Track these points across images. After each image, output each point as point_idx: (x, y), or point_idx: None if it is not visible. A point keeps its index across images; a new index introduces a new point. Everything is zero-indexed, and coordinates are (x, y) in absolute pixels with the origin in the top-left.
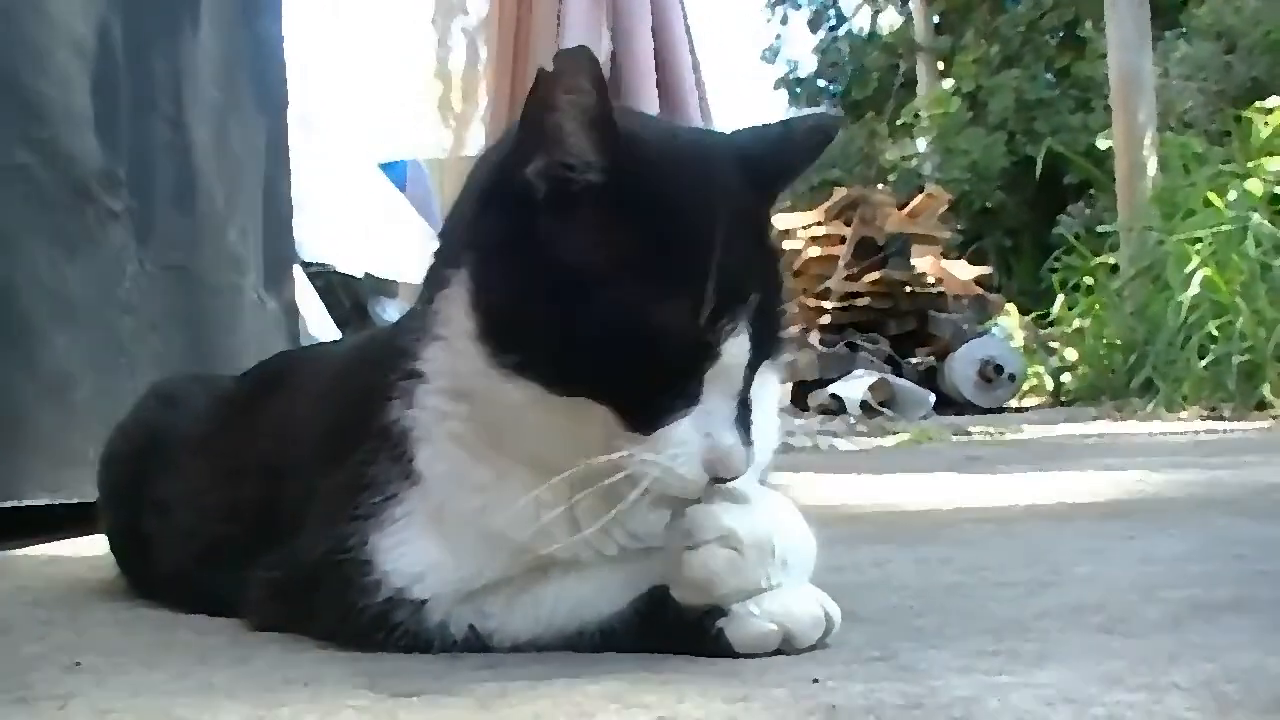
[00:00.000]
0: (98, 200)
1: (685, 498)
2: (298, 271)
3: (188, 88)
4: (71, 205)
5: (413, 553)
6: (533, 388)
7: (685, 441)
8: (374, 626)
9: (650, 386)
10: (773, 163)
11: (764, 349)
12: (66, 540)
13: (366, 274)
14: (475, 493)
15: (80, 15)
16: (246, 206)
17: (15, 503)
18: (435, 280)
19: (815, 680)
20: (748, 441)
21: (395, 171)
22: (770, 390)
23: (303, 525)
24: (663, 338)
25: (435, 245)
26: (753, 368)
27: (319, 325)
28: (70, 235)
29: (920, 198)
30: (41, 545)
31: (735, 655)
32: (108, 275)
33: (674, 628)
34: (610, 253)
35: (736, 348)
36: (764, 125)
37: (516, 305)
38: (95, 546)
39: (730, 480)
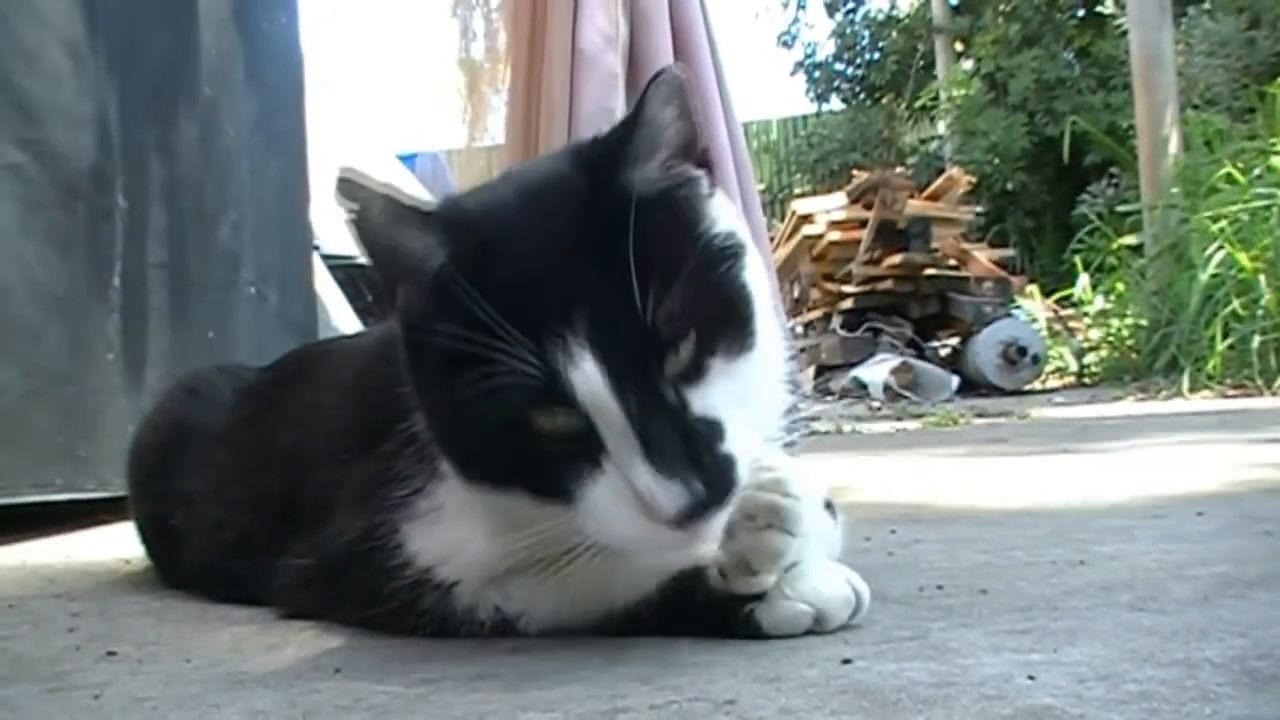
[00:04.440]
0: (89, 199)
1: (663, 548)
2: (318, 264)
3: (178, 85)
4: (63, 204)
5: (440, 536)
6: (480, 491)
7: (606, 503)
8: (402, 611)
9: (549, 457)
10: (607, 140)
11: (645, 357)
12: (90, 533)
13: None
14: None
15: (71, 14)
16: (241, 203)
17: (7, 500)
18: None
19: (846, 660)
20: (692, 474)
21: (410, 163)
22: (736, 387)
23: (331, 515)
24: (517, 406)
25: None
26: (643, 385)
27: (340, 317)
28: (61, 234)
29: (940, 180)
30: (65, 537)
31: (765, 637)
32: (98, 274)
33: (703, 610)
34: (458, 339)
35: (581, 378)
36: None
37: (430, 427)
38: (121, 538)
39: (690, 516)
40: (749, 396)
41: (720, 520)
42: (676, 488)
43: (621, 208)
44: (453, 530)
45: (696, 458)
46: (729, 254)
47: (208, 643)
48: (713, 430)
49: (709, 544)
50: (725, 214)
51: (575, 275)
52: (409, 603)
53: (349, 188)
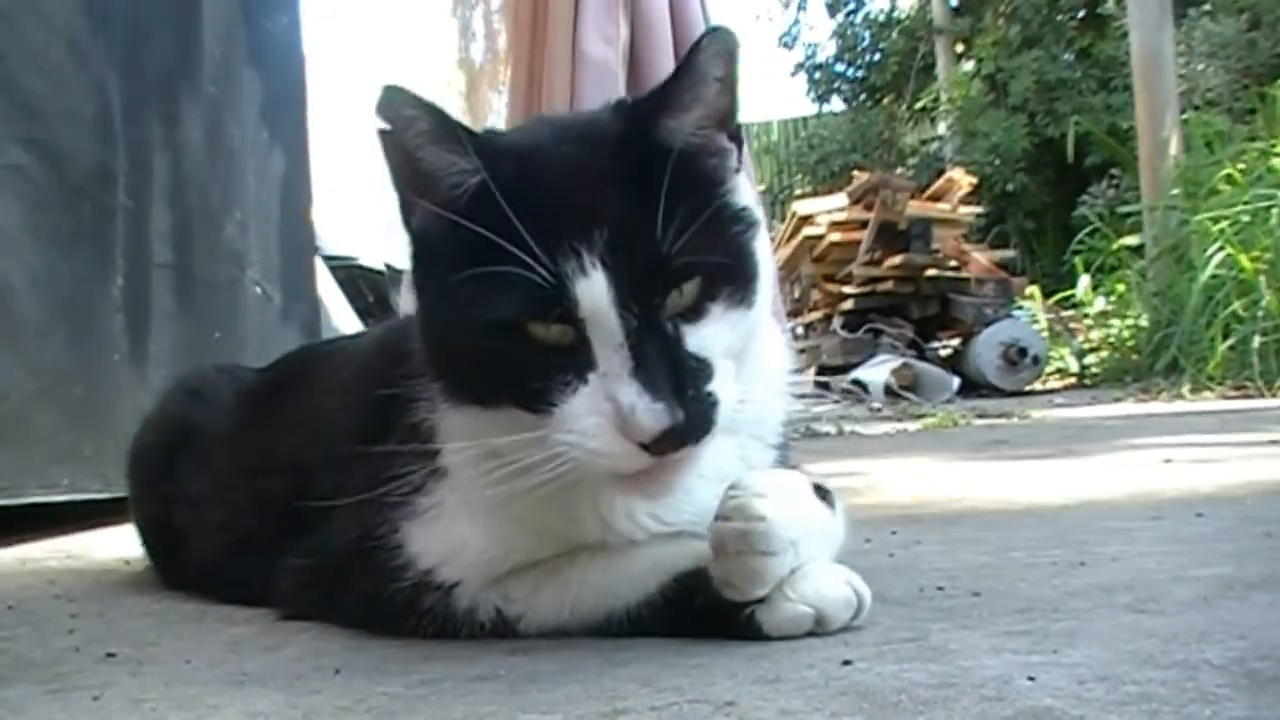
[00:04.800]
0: (93, 198)
1: (641, 473)
2: (320, 265)
3: (183, 85)
4: (67, 204)
5: (441, 536)
6: (469, 409)
7: (582, 414)
8: (403, 611)
9: (536, 368)
10: (649, 94)
11: (650, 284)
12: (92, 534)
13: (387, 266)
14: (502, 479)
15: (75, 14)
16: (245, 201)
17: (13, 500)
18: None
19: (846, 662)
20: (676, 399)
21: None
22: (731, 337)
23: (331, 516)
24: (517, 310)
25: None
26: (644, 310)
27: (341, 317)
28: (66, 233)
29: (941, 181)
30: (66, 538)
31: (767, 638)
32: (103, 273)
33: (704, 612)
34: (473, 253)
35: (587, 288)
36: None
37: (429, 343)
38: (122, 539)
39: (667, 442)
40: (743, 354)
41: (689, 462)
42: (659, 408)
43: (654, 148)
44: (453, 528)
45: (681, 388)
46: (745, 220)
47: (207, 644)
48: (701, 368)
49: (668, 488)
50: (748, 191)
51: (600, 199)
52: (409, 604)
53: (395, 100)
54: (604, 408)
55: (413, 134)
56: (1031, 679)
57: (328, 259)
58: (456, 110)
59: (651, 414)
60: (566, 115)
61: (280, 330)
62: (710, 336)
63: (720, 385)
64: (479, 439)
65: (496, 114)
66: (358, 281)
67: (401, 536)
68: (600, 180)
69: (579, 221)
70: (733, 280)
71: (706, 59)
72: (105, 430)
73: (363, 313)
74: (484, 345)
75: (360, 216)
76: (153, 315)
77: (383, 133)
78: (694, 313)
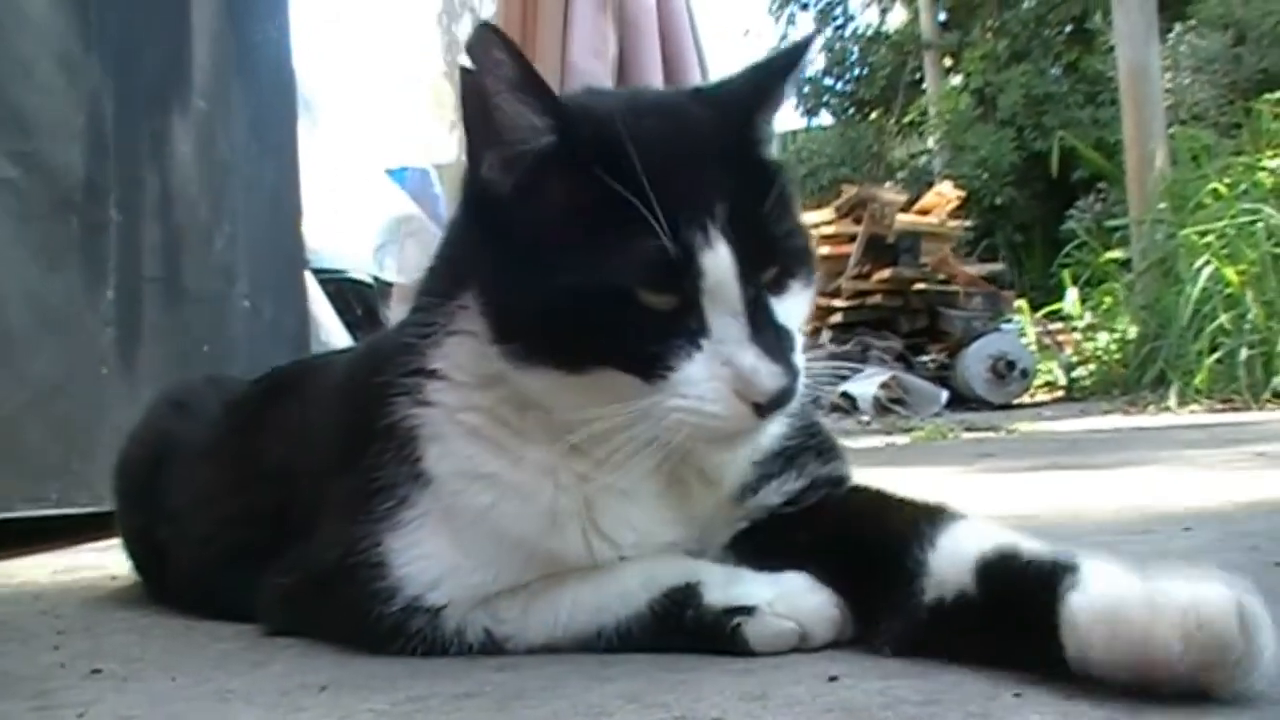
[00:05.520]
0: (83, 212)
1: (742, 435)
2: (309, 278)
3: (173, 98)
4: (56, 217)
5: (427, 557)
6: (550, 374)
7: (702, 378)
8: (390, 634)
9: (648, 333)
10: (741, 88)
11: (759, 259)
12: (79, 549)
13: (375, 279)
14: (487, 488)
15: (65, 28)
16: (235, 215)
17: (1, 515)
18: (447, 283)
19: (833, 678)
20: (788, 364)
21: (399, 178)
22: (803, 312)
23: (314, 530)
24: (636, 276)
25: (442, 251)
26: (754, 282)
27: (331, 331)
28: (55, 247)
29: (930, 195)
30: (54, 554)
31: (753, 653)
32: (92, 287)
33: (692, 627)
34: (569, 215)
35: (713, 260)
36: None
37: (509, 301)
38: (109, 554)
39: (773, 404)
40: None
41: (775, 424)
42: (778, 370)
43: (746, 136)
44: (439, 546)
45: (785, 353)
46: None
47: (193, 660)
48: (788, 338)
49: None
50: None
51: (714, 176)
52: (397, 626)
53: (485, 40)
54: (722, 372)
55: (493, 78)
56: (1018, 695)
57: (317, 272)
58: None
59: (772, 376)
60: (623, 91)
61: (269, 344)
62: (790, 310)
63: (799, 357)
64: (551, 403)
65: None
66: (347, 295)
67: (384, 552)
68: (709, 159)
69: (700, 195)
70: (805, 265)
71: (780, 56)
72: (94, 444)
73: (351, 326)
74: (589, 308)
75: (350, 228)
76: (142, 329)
77: (465, 71)
78: (778, 287)
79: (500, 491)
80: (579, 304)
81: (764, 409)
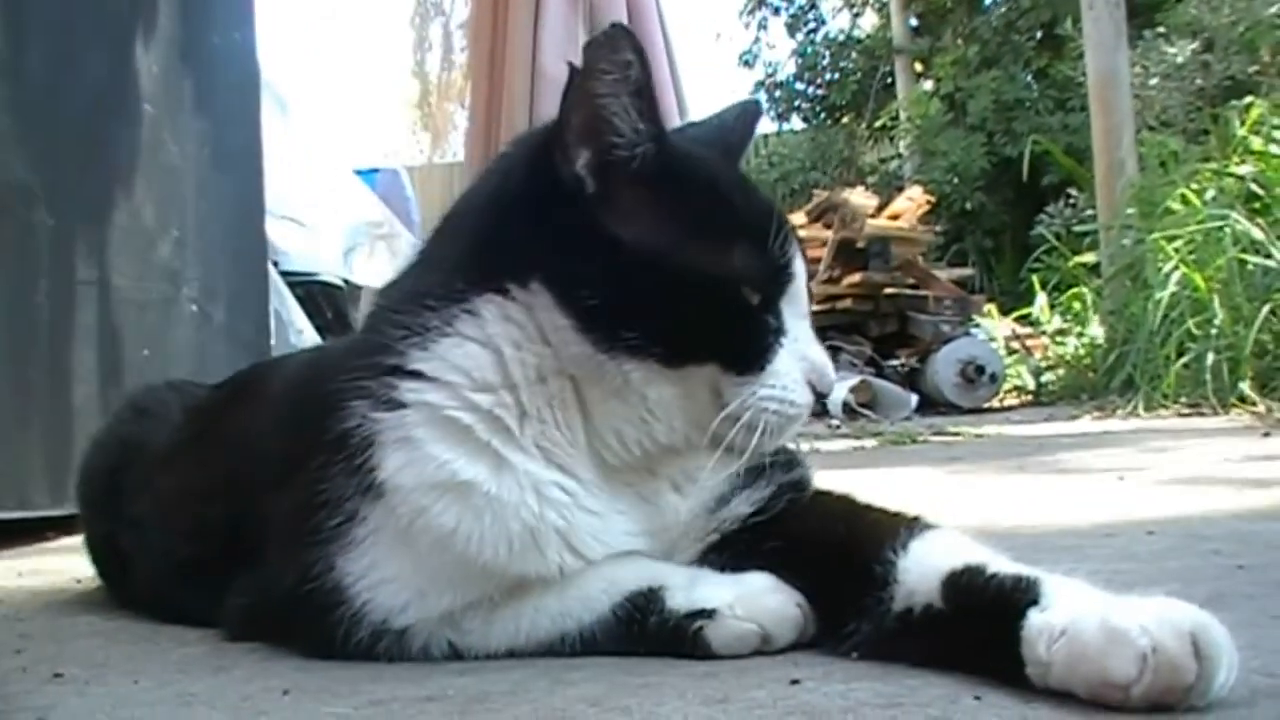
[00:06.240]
0: (14, 215)
1: (802, 421)
2: (278, 281)
3: (114, 103)
4: None
5: (390, 582)
6: (646, 365)
7: (789, 370)
8: (358, 655)
9: (748, 329)
10: (722, 144)
11: None
12: (43, 551)
13: (345, 282)
14: (455, 504)
15: None
16: (185, 219)
17: None
18: (465, 278)
19: (795, 681)
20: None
21: (369, 179)
22: None
23: (268, 547)
24: (745, 276)
25: (451, 248)
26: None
27: (300, 334)
28: None
29: (900, 200)
30: (18, 557)
31: (716, 656)
32: (23, 290)
33: (655, 631)
34: (675, 218)
35: (800, 265)
36: (702, 120)
37: (608, 296)
38: (74, 558)
39: (828, 396)
40: None
41: None
42: (831, 365)
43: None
44: (398, 564)
45: None
46: None
47: (157, 664)
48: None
49: None
50: None
51: (768, 199)
52: (364, 651)
53: (618, 39)
54: (800, 365)
55: (615, 79)
56: (978, 698)
57: (287, 274)
58: (414, 120)
59: (833, 371)
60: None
61: (220, 349)
62: None
63: None
64: (643, 390)
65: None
66: (317, 298)
67: (339, 576)
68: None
69: (780, 216)
70: None
71: (748, 122)
72: (25, 448)
73: (321, 329)
74: (698, 297)
75: (320, 230)
76: (74, 333)
77: (575, 69)
78: None
79: (471, 509)
80: (688, 293)
81: (821, 398)
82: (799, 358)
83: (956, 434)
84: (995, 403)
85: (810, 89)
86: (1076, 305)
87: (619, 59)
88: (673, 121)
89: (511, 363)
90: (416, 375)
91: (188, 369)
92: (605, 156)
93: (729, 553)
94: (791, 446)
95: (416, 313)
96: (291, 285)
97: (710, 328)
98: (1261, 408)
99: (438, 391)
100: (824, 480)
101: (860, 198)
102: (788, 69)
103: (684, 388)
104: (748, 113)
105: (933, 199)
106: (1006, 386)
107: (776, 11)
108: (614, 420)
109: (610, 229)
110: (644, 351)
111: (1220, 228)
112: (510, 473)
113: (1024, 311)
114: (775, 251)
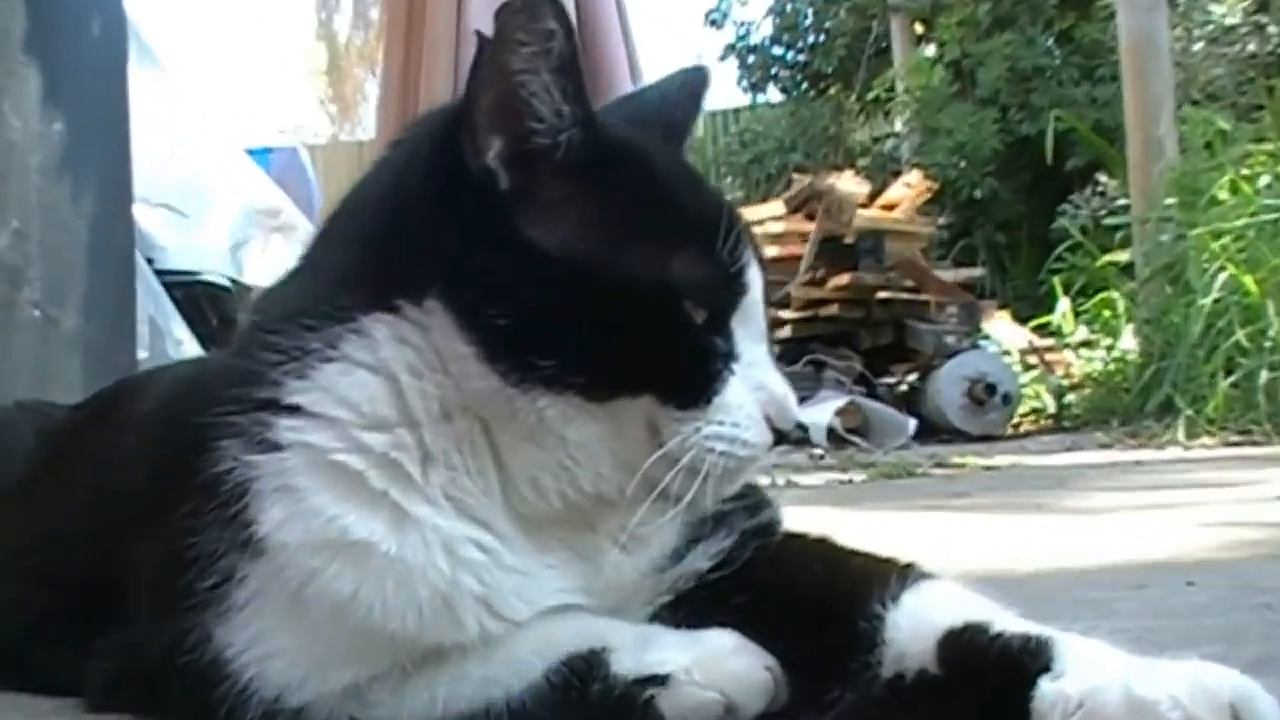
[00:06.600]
0: None
1: (756, 465)
2: (153, 281)
3: None
4: None
5: (281, 655)
6: (565, 399)
7: (741, 403)
8: None
9: (691, 353)
10: (662, 123)
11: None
12: None
13: (233, 282)
14: (350, 567)
15: None
16: (26, 206)
17: None
18: (356, 290)
19: None
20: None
21: (263, 160)
22: None
23: (132, 608)
24: (688, 287)
25: (341, 250)
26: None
27: (180, 345)
28: None
29: (896, 186)
30: None
31: None
32: None
33: (597, 700)
34: (604, 218)
35: (756, 275)
36: (638, 92)
37: (522, 315)
38: None
39: (787, 433)
40: None
41: None
42: (793, 397)
43: None
44: (289, 636)
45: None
46: None
47: None
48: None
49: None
50: None
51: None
52: None
53: (539, 8)
54: (754, 397)
55: (533, 52)
56: None
57: (164, 274)
58: (318, 90)
59: (795, 404)
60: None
61: (70, 361)
62: None
63: None
64: (562, 432)
65: (365, 99)
66: (199, 301)
67: (219, 649)
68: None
69: (731, 213)
70: None
71: (692, 95)
72: None
73: (204, 339)
74: (631, 314)
75: (205, 221)
76: None
77: (485, 40)
78: None
79: (370, 573)
80: (618, 310)
81: (780, 438)
82: (754, 387)
83: (962, 465)
84: (1008, 428)
85: (790, 54)
86: (1105, 313)
87: (539, 28)
88: (625, 91)
89: (410, 394)
90: (294, 410)
91: (28, 383)
92: (521, 146)
93: (686, 610)
94: (762, 482)
95: (293, 333)
96: (169, 286)
97: (645, 352)
98: None
99: (320, 431)
100: (799, 521)
101: (849, 184)
102: (763, 30)
103: (612, 426)
104: (691, 83)
105: (935, 185)
106: (1022, 409)
107: None
108: (529, 468)
109: (525, 232)
110: (562, 383)
111: (1276, 221)
112: (414, 529)
113: (1043, 320)
114: (725, 257)
